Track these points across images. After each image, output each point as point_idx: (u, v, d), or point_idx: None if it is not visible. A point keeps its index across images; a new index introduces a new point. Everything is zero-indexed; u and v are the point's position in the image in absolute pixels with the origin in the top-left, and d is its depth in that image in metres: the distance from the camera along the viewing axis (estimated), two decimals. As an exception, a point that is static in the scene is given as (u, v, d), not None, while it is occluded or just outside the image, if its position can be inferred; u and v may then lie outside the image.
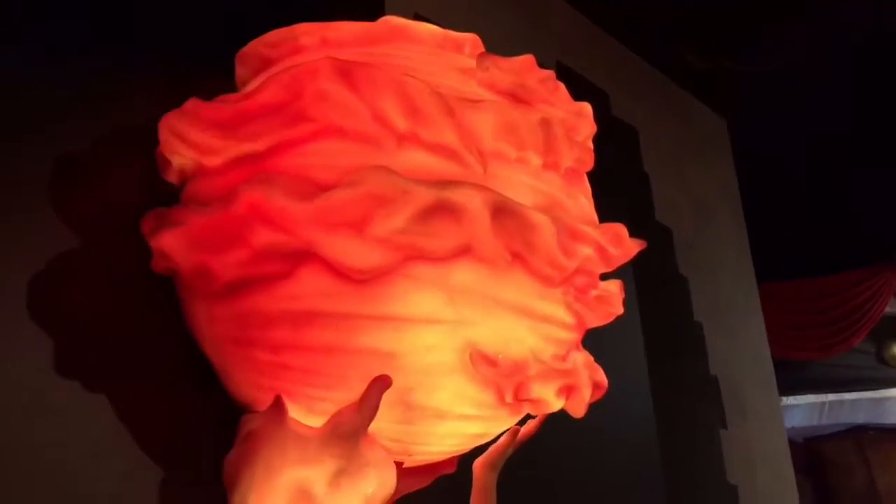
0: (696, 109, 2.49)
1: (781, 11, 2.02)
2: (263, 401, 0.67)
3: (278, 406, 0.64)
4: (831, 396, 4.53)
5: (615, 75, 2.02)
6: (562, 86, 0.80)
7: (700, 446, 1.90)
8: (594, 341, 0.82)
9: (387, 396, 0.62)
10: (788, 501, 2.26)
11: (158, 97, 0.82)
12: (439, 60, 0.77)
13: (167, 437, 0.77)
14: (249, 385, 0.69)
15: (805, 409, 4.51)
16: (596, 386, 0.77)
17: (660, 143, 2.16)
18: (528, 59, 0.77)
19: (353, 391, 0.62)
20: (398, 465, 0.70)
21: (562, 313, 0.72)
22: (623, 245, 0.75)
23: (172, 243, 0.65)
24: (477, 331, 0.64)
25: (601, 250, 0.73)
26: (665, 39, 2.16)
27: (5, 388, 0.66)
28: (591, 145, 0.82)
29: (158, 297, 0.76)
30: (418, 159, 0.63)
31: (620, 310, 0.79)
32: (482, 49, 0.82)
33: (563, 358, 0.73)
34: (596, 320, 0.77)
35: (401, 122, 0.62)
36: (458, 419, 0.70)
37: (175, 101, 0.67)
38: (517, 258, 0.64)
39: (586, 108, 0.82)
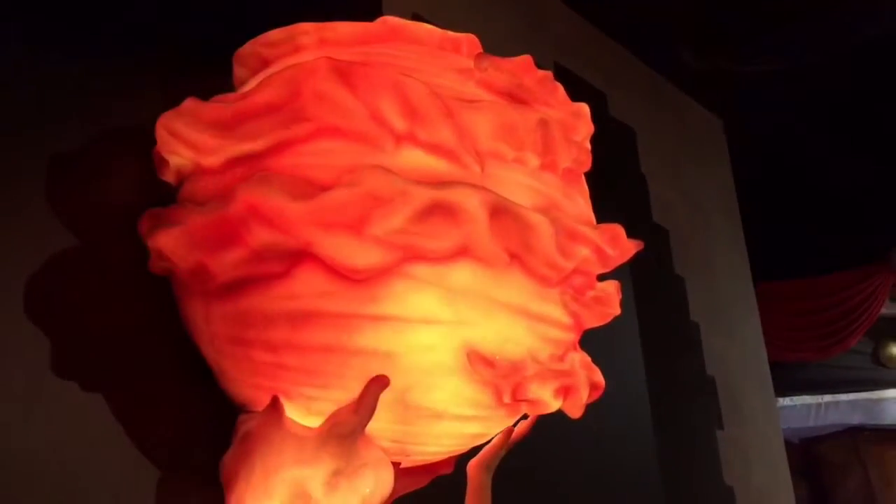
0: (693, 110, 2.49)
1: (779, 12, 2.02)
2: (261, 400, 0.67)
3: (275, 406, 0.64)
4: (827, 397, 4.54)
5: (612, 76, 2.03)
6: (559, 86, 0.80)
7: (696, 446, 1.91)
8: (591, 342, 0.82)
9: (384, 396, 0.62)
10: (784, 502, 2.26)
11: (156, 97, 0.82)
12: (437, 60, 0.77)
13: (165, 437, 0.76)
14: (247, 385, 0.69)
15: (801, 410, 4.52)
16: (593, 386, 0.77)
17: (657, 143, 2.17)
18: (525, 60, 0.77)
19: (350, 391, 0.62)
20: (395, 465, 0.70)
21: (559, 314, 0.72)
22: (620, 245, 0.75)
23: (170, 243, 0.64)
24: (475, 331, 0.64)
25: (599, 251, 0.73)
26: (662, 40, 2.17)
27: (3, 388, 0.66)
28: (588, 146, 0.83)
29: (155, 297, 0.76)
30: (416, 159, 0.63)
31: (618, 310, 0.79)
32: (480, 49, 0.82)
33: (561, 358, 0.73)
34: (593, 321, 0.77)
35: (399, 122, 0.62)
36: (455, 419, 0.70)
37: (172, 101, 0.67)
38: (515, 258, 0.64)
39: (584, 108, 0.82)
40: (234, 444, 0.65)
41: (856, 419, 4.59)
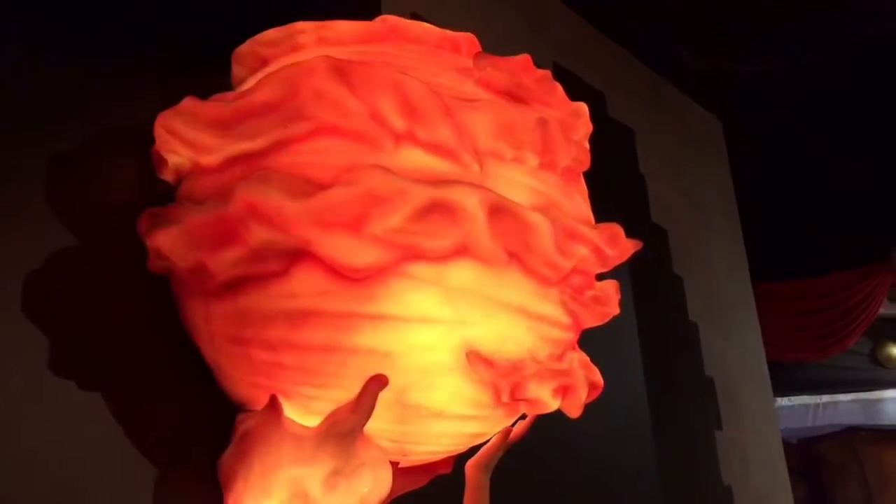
0: (692, 110, 2.49)
1: (779, 12, 2.02)
2: (259, 399, 0.67)
3: (274, 405, 0.64)
4: (825, 398, 4.54)
5: (611, 76, 2.03)
6: (558, 86, 0.80)
7: (695, 446, 1.91)
8: (590, 341, 0.82)
9: (383, 396, 0.62)
10: (782, 502, 2.27)
11: (155, 96, 0.82)
12: (436, 60, 0.77)
13: (163, 437, 0.76)
14: (245, 384, 0.69)
15: (800, 410, 4.52)
16: (592, 386, 0.77)
17: (656, 144, 2.17)
18: (524, 59, 0.77)
19: (349, 390, 0.62)
20: (394, 464, 0.70)
21: (558, 313, 0.72)
22: (619, 245, 0.75)
23: (168, 242, 0.64)
24: (473, 330, 0.64)
25: (597, 250, 0.73)
26: (662, 41, 2.17)
27: (2, 387, 0.66)
28: (587, 145, 0.83)
29: (154, 296, 0.76)
30: (415, 158, 0.63)
31: (616, 310, 0.79)
32: (479, 49, 0.82)
33: (560, 358, 0.73)
34: (592, 320, 0.77)
35: (397, 122, 0.62)
36: (454, 419, 0.70)
37: (172, 101, 0.67)
38: (514, 258, 0.64)
39: (583, 107, 0.82)
40: (232, 444, 0.65)
41: (854, 419, 4.59)
